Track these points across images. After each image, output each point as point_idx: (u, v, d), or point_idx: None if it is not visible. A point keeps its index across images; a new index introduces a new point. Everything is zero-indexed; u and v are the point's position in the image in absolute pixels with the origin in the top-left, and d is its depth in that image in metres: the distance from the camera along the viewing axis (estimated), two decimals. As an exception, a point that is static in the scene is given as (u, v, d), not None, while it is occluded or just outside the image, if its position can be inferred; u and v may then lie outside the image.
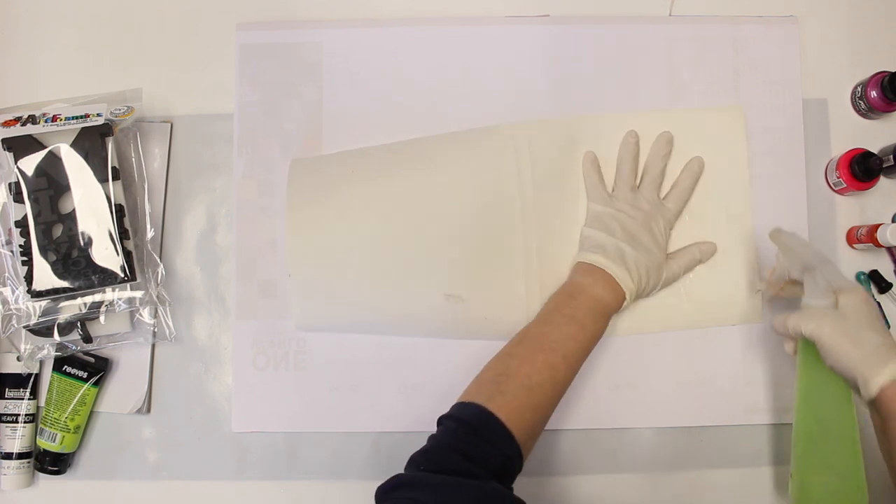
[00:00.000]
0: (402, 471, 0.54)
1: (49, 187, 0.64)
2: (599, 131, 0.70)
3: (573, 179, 0.70)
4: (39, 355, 0.67)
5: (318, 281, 0.68)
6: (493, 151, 0.70)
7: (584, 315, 0.61)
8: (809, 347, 0.58)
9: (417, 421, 0.68)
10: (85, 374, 0.68)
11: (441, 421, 0.56)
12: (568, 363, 0.59)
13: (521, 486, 0.68)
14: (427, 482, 0.50)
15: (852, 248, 0.71)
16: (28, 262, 0.64)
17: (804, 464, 0.61)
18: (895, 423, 0.53)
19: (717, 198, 0.70)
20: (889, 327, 0.69)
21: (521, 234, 0.69)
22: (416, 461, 0.53)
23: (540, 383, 0.57)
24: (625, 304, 0.63)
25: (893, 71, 0.68)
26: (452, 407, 0.56)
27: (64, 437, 0.67)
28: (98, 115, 0.65)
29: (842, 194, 0.72)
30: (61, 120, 0.65)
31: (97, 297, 0.66)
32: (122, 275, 0.65)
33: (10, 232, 0.65)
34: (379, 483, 0.51)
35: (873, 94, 0.70)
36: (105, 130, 0.65)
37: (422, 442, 0.68)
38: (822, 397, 0.61)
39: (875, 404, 0.55)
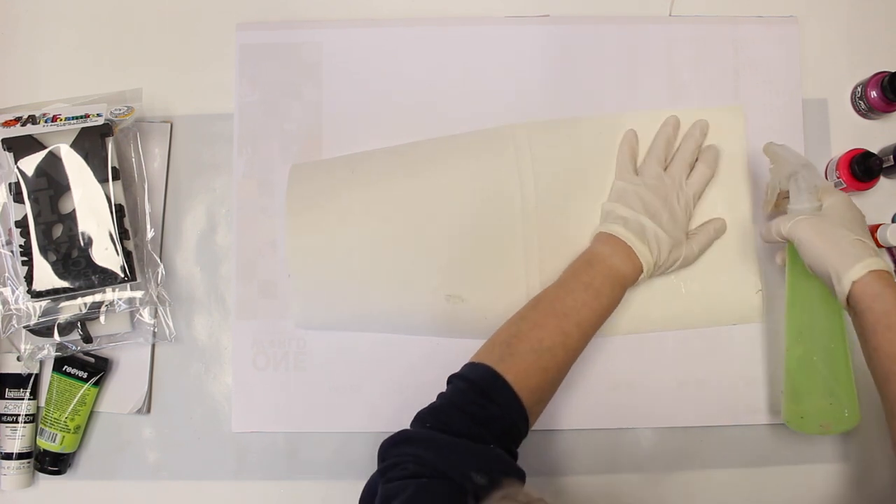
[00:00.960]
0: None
1: (49, 187, 0.64)
2: (600, 131, 0.70)
3: (574, 180, 0.70)
4: (39, 355, 0.67)
5: (318, 281, 0.68)
6: (493, 152, 0.70)
7: (600, 283, 0.61)
8: (796, 256, 0.60)
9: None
10: (85, 374, 0.68)
11: (451, 380, 0.56)
12: (581, 330, 0.59)
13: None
14: (433, 440, 0.51)
15: (852, 248, 0.71)
16: (28, 263, 0.64)
17: (794, 382, 0.62)
18: (869, 317, 0.54)
19: (718, 197, 0.70)
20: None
21: (521, 234, 0.68)
22: (422, 418, 0.53)
23: (550, 348, 0.57)
24: (642, 276, 0.63)
25: (893, 71, 0.68)
26: (463, 367, 0.57)
27: (64, 437, 0.67)
28: (98, 115, 0.65)
29: (842, 194, 0.72)
30: (61, 120, 0.65)
31: (97, 297, 0.66)
32: (122, 275, 0.65)
33: (10, 232, 0.65)
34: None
35: (873, 94, 0.70)
36: (105, 130, 0.65)
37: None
38: (810, 308, 0.62)
39: (850, 302, 0.55)
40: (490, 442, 0.52)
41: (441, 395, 0.55)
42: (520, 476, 0.52)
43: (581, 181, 0.70)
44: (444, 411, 0.53)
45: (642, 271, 0.62)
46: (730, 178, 0.70)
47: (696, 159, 0.69)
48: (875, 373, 0.55)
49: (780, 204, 0.66)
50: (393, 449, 0.51)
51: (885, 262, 0.56)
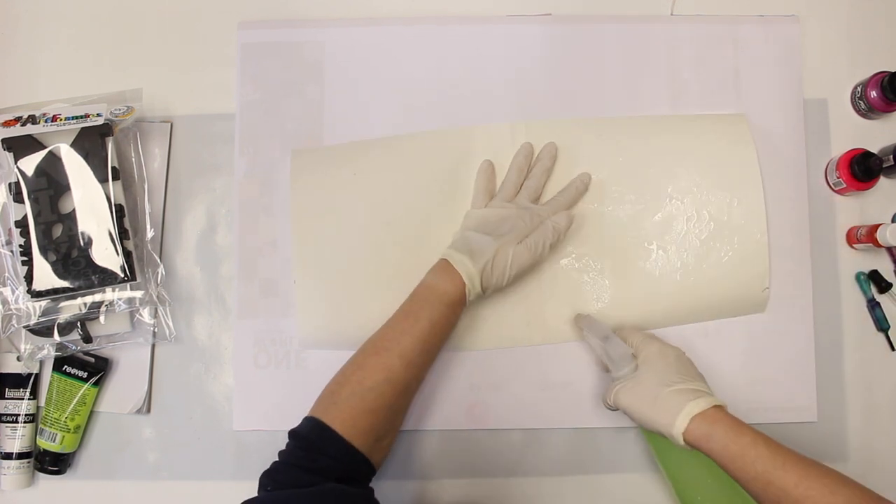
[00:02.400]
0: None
1: (49, 187, 0.64)
2: (600, 133, 0.70)
3: (571, 178, 0.70)
4: (39, 355, 0.67)
5: (321, 292, 0.68)
6: (493, 152, 0.70)
7: (418, 307, 0.61)
8: None
9: (417, 419, 0.69)
10: (85, 374, 0.68)
11: (288, 436, 0.57)
12: (405, 360, 0.59)
13: (520, 486, 0.68)
14: (269, 501, 0.53)
15: (852, 248, 0.71)
16: (28, 262, 0.64)
17: None
18: (715, 458, 0.54)
19: (733, 203, 0.69)
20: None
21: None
22: (263, 483, 0.55)
23: (373, 387, 0.57)
24: (468, 288, 0.61)
25: (893, 71, 0.68)
26: (302, 420, 0.58)
27: (64, 437, 0.67)
28: (98, 115, 0.65)
29: (842, 194, 0.72)
30: (61, 120, 0.65)
31: (97, 297, 0.66)
32: (122, 275, 0.65)
33: (10, 232, 0.65)
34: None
35: (873, 94, 0.70)
36: (105, 130, 0.65)
37: (421, 440, 0.68)
38: (681, 464, 0.62)
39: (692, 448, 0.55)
40: (327, 482, 0.53)
41: (279, 453, 0.56)
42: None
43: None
44: (279, 471, 0.55)
45: (465, 283, 0.61)
46: (743, 183, 0.69)
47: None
48: (753, 498, 0.54)
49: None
50: None
51: (708, 397, 0.55)
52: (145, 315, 0.69)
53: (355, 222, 0.69)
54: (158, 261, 0.70)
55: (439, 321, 0.61)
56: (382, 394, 0.57)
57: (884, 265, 0.71)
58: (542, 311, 0.69)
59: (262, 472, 0.55)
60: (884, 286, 0.70)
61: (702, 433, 0.54)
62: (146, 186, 0.70)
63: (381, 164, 0.70)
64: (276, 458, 0.56)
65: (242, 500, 0.51)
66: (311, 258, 0.69)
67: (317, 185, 0.70)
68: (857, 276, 0.71)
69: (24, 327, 0.66)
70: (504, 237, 0.62)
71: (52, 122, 0.65)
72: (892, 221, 0.71)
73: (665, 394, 0.56)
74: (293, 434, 0.57)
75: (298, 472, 0.54)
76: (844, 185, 0.69)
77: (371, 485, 0.59)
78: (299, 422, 0.58)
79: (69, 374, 0.67)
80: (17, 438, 0.67)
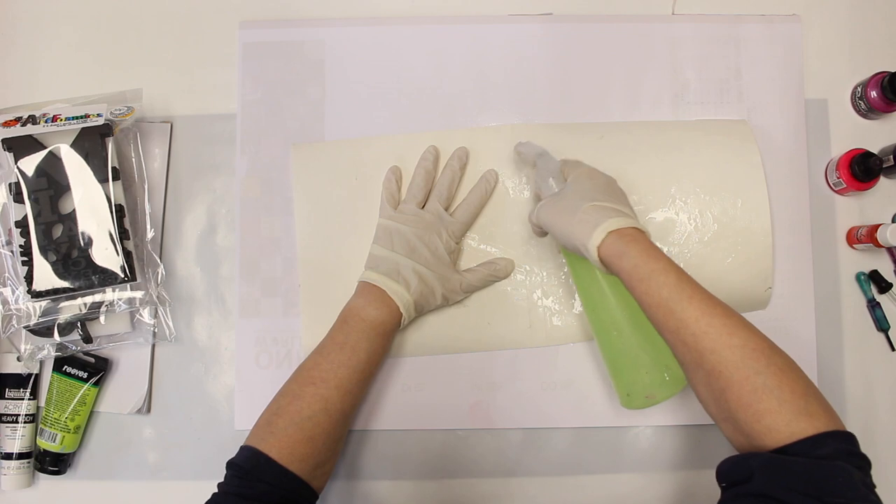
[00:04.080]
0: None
1: (49, 187, 0.64)
2: (602, 135, 0.70)
3: None
4: (39, 355, 0.67)
5: (326, 295, 0.68)
6: (495, 153, 0.70)
7: (356, 340, 0.60)
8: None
9: (418, 419, 0.69)
10: (85, 375, 0.68)
11: (226, 466, 0.57)
12: (342, 392, 0.59)
13: (520, 486, 0.68)
14: None
15: (852, 248, 0.71)
16: (28, 263, 0.64)
17: (610, 364, 0.63)
18: (623, 276, 0.53)
19: (739, 204, 0.69)
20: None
21: (524, 240, 0.69)
22: None
23: (310, 417, 0.57)
24: (404, 318, 0.62)
25: (893, 71, 0.68)
26: (238, 450, 0.58)
27: (64, 437, 0.67)
28: (98, 115, 0.65)
29: (842, 194, 0.72)
30: (61, 120, 0.65)
31: (97, 298, 0.66)
32: (122, 275, 0.65)
33: (10, 232, 0.65)
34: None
35: (873, 94, 0.70)
36: (105, 131, 0.65)
37: (421, 439, 0.69)
38: (592, 286, 0.62)
39: (608, 270, 0.55)
40: None
41: (219, 485, 0.56)
42: None
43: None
44: (218, 500, 0.54)
45: (401, 313, 0.62)
46: (747, 185, 0.69)
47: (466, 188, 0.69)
48: (654, 327, 0.53)
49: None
50: None
51: (630, 219, 0.55)
52: (145, 315, 0.69)
53: (359, 223, 0.69)
54: (158, 261, 0.70)
55: (376, 351, 0.61)
56: (320, 423, 0.57)
57: (884, 265, 0.71)
58: (544, 314, 0.69)
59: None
60: (884, 286, 0.70)
61: (615, 251, 0.53)
62: (146, 186, 0.70)
63: (384, 163, 0.70)
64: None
65: None
66: (316, 260, 0.69)
67: (319, 184, 0.70)
68: (858, 276, 0.71)
69: (25, 327, 0.66)
70: (434, 265, 0.63)
71: (52, 122, 0.65)
72: (892, 221, 0.71)
73: (586, 208, 0.55)
74: (230, 464, 0.57)
75: (236, 500, 0.53)
76: (844, 185, 0.69)
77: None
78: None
79: (69, 375, 0.67)
80: (17, 438, 0.67)
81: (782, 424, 0.45)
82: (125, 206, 0.67)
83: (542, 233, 0.63)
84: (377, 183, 0.69)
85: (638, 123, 0.71)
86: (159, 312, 0.69)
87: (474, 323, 0.69)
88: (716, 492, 0.69)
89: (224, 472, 0.57)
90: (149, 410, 0.70)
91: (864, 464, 0.45)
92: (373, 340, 0.61)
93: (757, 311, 0.70)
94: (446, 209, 0.67)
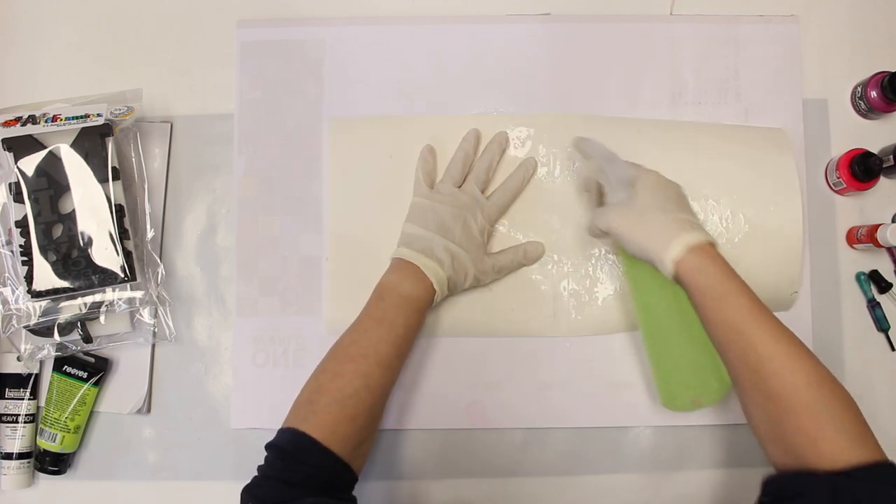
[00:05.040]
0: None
1: (49, 187, 0.64)
2: (643, 132, 0.70)
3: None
4: (39, 355, 0.67)
5: (352, 272, 0.68)
6: (523, 143, 0.70)
7: (393, 315, 0.60)
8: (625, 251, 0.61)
9: (416, 418, 0.69)
10: (85, 374, 0.68)
11: (265, 448, 0.56)
12: (383, 367, 0.58)
13: (520, 486, 0.68)
14: None
15: (852, 248, 0.71)
16: (28, 262, 0.64)
17: (658, 365, 0.64)
18: (696, 293, 0.54)
19: (772, 209, 0.68)
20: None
21: (546, 224, 0.70)
22: (243, 499, 0.54)
23: (352, 394, 0.56)
24: (437, 295, 0.62)
25: (893, 71, 0.68)
26: (277, 433, 0.57)
27: (64, 437, 0.67)
28: (98, 115, 0.65)
29: (842, 194, 0.72)
30: (61, 120, 0.65)
31: (97, 297, 0.66)
32: (122, 275, 0.65)
33: (10, 232, 0.65)
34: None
35: (873, 94, 0.70)
36: (105, 130, 0.65)
37: (421, 438, 0.69)
38: (652, 291, 0.63)
39: (678, 281, 0.56)
40: (307, 496, 0.52)
41: (258, 468, 0.55)
42: None
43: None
44: (258, 485, 0.53)
45: (435, 290, 0.62)
46: (783, 192, 0.68)
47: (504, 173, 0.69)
48: (714, 344, 0.55)
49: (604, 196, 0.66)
50: None
51: (703, 232, 0.56)
52: (145, 315, 0.69)
53: (391, 201, 0.69)
54: (158, 261, 0.70)
55: (413, 326, 0.61)
56: (362, 400, 0.57)
57: (884, 265, 0.71)
58: (568, 304, 0.69)
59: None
60: (884, 286, 0.70)
61: (693, 266, 0.54)
62: (146, 186, 0.70)
63: (420, 143, 0.70)
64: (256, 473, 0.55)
65: None
66: (346, 235, 0.69)
67: (353, 160, 0.71)
68: (858, 276, 0.71)
69: (25, 327, 0.66)
70: (466, 245, 0.63)
71: (52, 122, 0.65)
72: (892, 221, 0.71)
73: (662, 220, 0.56)
74: (270, 446, 0.56)
75: (277, 484, 0.53)
76: (844, 185, 0.69)
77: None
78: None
79: (69, 374, 0.67)
80: (17, 438, 0.67)
81: (838, 452, 0.47)
82: (125, 206, 0.67)
83: (601, 234, 0.63)
84: (411, 162, 0.69)
85: (675, 122, 0.71)
86: (159, 312, 0.69)
87: (498, 308, 0.69)
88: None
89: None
90: (149, 410, 0.70)
91: None
92: (409, 315, 0.61)
93: (779, 312, 0.69)
94: (482, 192, 0.67)
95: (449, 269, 0.62)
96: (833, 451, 0.47)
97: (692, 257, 0.54)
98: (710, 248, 0.55)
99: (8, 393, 0.68)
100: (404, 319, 0.60)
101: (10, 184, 0.65)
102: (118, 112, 0.67)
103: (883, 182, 0.71)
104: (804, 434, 0.48)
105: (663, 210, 0.57)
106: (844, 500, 0.45)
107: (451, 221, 0.64)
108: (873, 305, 0.70)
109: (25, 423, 0.68)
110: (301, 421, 0.55)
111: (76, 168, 0.65)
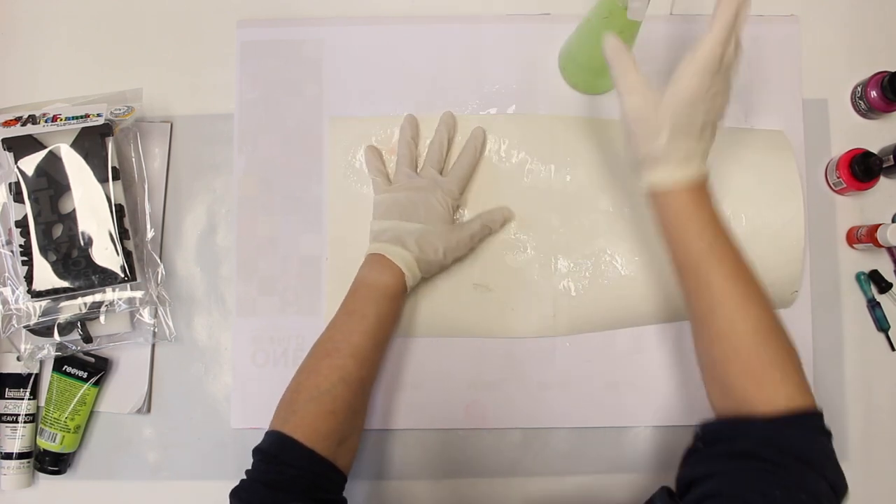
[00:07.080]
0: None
1: (49, 187, 0.64)
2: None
3: (598, 172, 0.70)
4: (39, 355, 0.67)
5: (352, 272, 0.67)
6: (525, 140, 0.70)
7: (363, 305, 0.61)
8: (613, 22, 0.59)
9: (419, 418, 0.69)
10: (85, 374, 0.68)
11: (252, 454, 0.56)
12: (357, 359, 0.58)
13: (520, 486, 0.68)
14: None
15: (852, 248, 0.71)
16: (28, 262, 0.64)
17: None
18: (681, 217, 0.54)
19: (772, 209, 0.68)
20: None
21: (547, 223, 0.70)
22: (230, 501, 0.54)
23: (329, 389, 0.56)
24: (409, 277, 0.62)
25: (893, 71, 0.68)
26: (263, 436, 0.57)
27: (64, 437, 0.67)
28: (98, 115, 0.65)
29: (842, 194, 0.72)
30: (61, 120, 0.65)
31: (97, 297, 0.66)
32: (122, 275, 0.65)
33: (10, 232, 0.65)
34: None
35: (873, 94, 0.70)
36: (105, 130, 0.65)
37: (421, 438, 0.69)
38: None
39: (650, 198, 0.56)
40: (293, 501, 0.52)
41: (246, 472, 0.55)
42: None
43: (604, 174, 0.70)
44: (244, 489, 0.54)
45: (404, 273, 0.62)
46: (785, 193, 0.68)
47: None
48: (673, 269, 0.56)
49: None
50: None
51: (699, 164, 0.54)
52: (145, 315, 0.69)
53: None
54: (158, 261, 0.70)
55: (386, 315, 0.61)
56: (340, 394, 0.57)
57: (884, 265, 0.71)
58: (568, 304, 0.69)
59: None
60: (884, 286, 0.70)
61: (690, 197, 0.54)
62: (146, 186, 0.70)
63: (420, 141, 0.70)
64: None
65: None
66: (345, 236, 0.70)
67: (352, 159, 0.71)
68: (858, 276, 0.71)
69: (25, 327, 0.66)
70: (432, 222, 0.63)
71: (52, 122, 0.65)
72: (893, 221, 0.71)
73: (697, 126, 0.53)
74: (255, 450, 0.56)
75: (262, 488, 0.53)
76: (844, 185, 0.69)
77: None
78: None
79: (69, 374, 0.67)
80: (17, 438, 0.67)
81: (783, 396, 0.49)
82: (125, 206, 0.67)
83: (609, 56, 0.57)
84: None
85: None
86: (159, 312, 0.69)
87: (498, 307, 0.69)
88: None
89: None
90: (149, 410, 0.70)
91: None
92: (380, 304, 0.61)
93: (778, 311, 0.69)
94: (440, 173, 0.67)
95: (415, 248, 0.62)
96: (777, 395, 0.49)
97: (690, 197, 0.54)
98: (707, 183, 0.54)
99: (8, 393, 0.68)
100: (375, 308, 0.60)
101: (10, 184, 0.65)
102: (118, 112, 0.67)
103: (883, 182, 0.71)
104: (750, 376, 0.50)
105: (687, 134, 0.53)
106: (781, 444, 0.46)
107: (413, 205, 0.64)
108: (873, 305, 0.70)
109: (25, 422, 0.68)
110: (283, 422, 0.56)
111: (76, 168, 0.65)
